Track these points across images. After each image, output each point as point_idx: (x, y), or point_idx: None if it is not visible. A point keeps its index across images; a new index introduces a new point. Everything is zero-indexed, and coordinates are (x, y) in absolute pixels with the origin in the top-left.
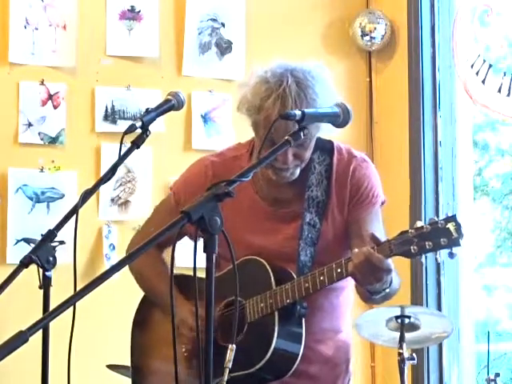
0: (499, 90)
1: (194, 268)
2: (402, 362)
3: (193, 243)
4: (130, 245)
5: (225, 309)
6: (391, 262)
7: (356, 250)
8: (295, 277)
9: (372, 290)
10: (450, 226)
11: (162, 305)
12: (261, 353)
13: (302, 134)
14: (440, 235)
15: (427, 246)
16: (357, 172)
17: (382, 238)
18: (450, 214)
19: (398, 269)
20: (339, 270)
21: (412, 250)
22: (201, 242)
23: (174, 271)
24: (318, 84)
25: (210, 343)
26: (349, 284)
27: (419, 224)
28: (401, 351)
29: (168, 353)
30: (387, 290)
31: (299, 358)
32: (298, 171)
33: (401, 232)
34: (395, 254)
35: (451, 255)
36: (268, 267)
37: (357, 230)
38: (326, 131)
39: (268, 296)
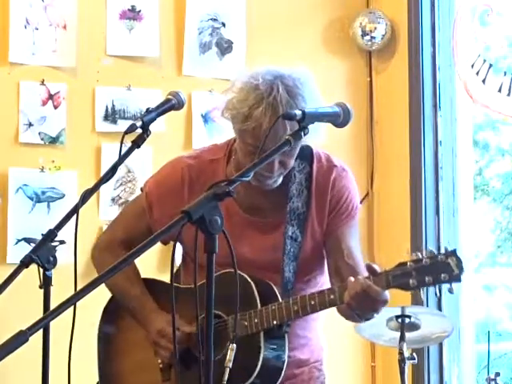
0: (499, 90)
1: (195, 268)
2: (402, 361)
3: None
4: (97, 244)
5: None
6: (388, 293)
7: (352, 279)
8: (278, 293)
9: (364, 318)
10: (451, 261)
11: (135, 310)
12: (245, 373)
13: (302, 133)
14: (440, 270)
15: (427, 281)
16: (337, 183)
17: (359, 252)
18: (449, 248)
19: None
20: (332, 297)
21: (411, 284)
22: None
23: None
24: (306, 90)
25: (210, 347)
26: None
27: (418, 255)
28: (401, 351)
29: (140, 359)
30: (377, 315)
31: (283, 372)
32: (280, 179)
33: (399, 263)
34: (393, 287)
35: (450, 291)
36: (251, 283)
37: (335, 243)
38: (312, 139)
39: (253, 315)
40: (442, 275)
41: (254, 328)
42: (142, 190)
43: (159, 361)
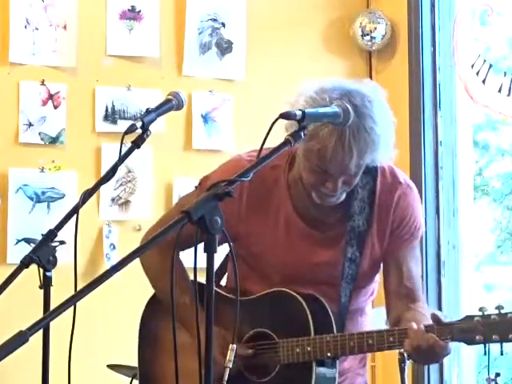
0: (499, 90)
1: (195, 269)
2: (402, 361)
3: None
4: (146, 235)
5: (253, 342)
6: (451, 345)
7: (414, 326)
8: (332, 320)
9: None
10: None
11: (183, 318)
12: None
13: (302, 133)
14: (509, 329)
15: (493, 338)
16: (401, 201)
17: (418, 276)
18: None
19: None
20: (391, 339)
21: (477, 339)
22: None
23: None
24: (375, 109)
25: (210, 350)
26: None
27: (485, 310)
28: (401, 351)
29: (184, 365)
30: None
31: None
32: (343, 196)
33: (466, 316)
34: (457, 340)
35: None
36: (304, 304)
37: (396, 265)
38: (381, 159)
39: (306, 343)
40: (510, 335)
41: (306, 356)
42: (200, 183)
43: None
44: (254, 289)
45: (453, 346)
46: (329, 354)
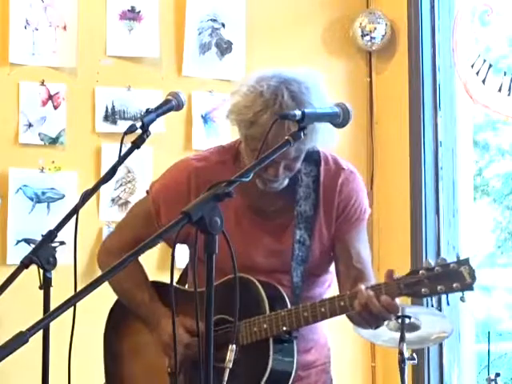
0: (499, 90)
1: (195, 268)
2: (402, 362)
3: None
4: (105, 248)
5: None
6: (398, 301)
7: (362, 287)
8: (286, 297)
9: (374, 326)
10: (463, 269)
11: (144, 316)
12: (254, 380)
13: (302, 133)
14: (452, 279)
15: (439, 290)
16: (344, 186)
17: (368, 256)
18: (461, 257)
19: (399, 268)
20: (342, 304)
21: (423, 292)
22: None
23: (155, 279)
24: (312, 95)
25: (210, 349)
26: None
27: (430, 264)
28: (401, 351)
29: (148, 362)
30: (385, 322)
31: (292, 378)
32: (286, 181)
33: (411, 271)
34: (404, 295)
35: (462, 299)
36: (260, 288)
37: (344, 248)
38: (322, 143)
39: (262, 321)
40: (454, 284)
41: (263, 334)
42: (147, 192)
43: (167, 365)
44: None
45: (447, 341)
46: (284, 328)
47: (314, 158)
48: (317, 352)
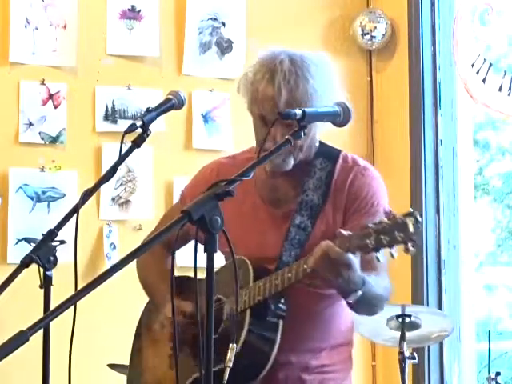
0: (500, 89)
1: (195, 268)
2: (402, 360)
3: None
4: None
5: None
6: (352, 257)
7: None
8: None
9: (340, 290)
10: (409, 221)
11: (157, 302)
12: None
13: (302, 133)
14: (397, 230)
15: (384, 241)
16: (357, 180)
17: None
18: (412, 210)
19: (399, 267)
20: (305, 267)
21: (369, 245)
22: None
23: (177, 273)
24: (314, 67)
25: (210, 344)
26: None
27: (382, 219)
28: (401, 350)
29: (161, 352)
30: (359, 292)
31: (270, 362)
32: (291, 160)
33: (361, 227)
34: (354, 248)
35: (407, 250)
36: (250, 265)
37: None
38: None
39: (244, 294)
40: (398, 235)
41: (242, 306)
42: (182, 192)
43: (168, 347)
44: None
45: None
46: (259, 298)
47: (332, 155)
48: (325, 357)
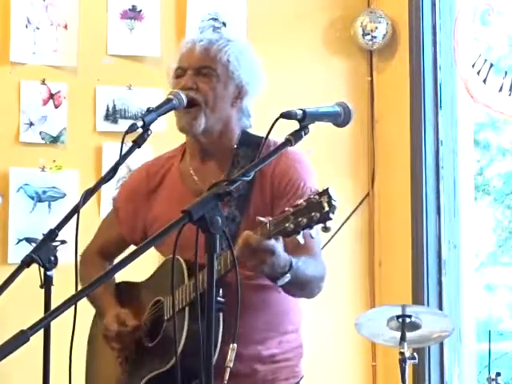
0: (500, 90)
1: (196, 266)
2: (403, 361)
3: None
4: (83, 256)
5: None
6: (274, 243)
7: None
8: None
9: (268, 276)
10: (323, 200)
11: (100, 313)
12: (172, 350)
13: (303, 133)
14: (314, 211)
15: (301, 223)
16: (280, 164)
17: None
18: (326, 187)
19: (400, 267)
20: (232, 258)
21: (288, 228)
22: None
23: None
24: (235, 43)
25: (210, 344)
26: None
27: (300, 201)
28: (402, 350)
29: (108, 356)
30: (287, 275)
31: (216, 356)
32: (202, 120)
33: (282, 211)
34: (275, 234)
35: (325, 229)
36: (183, 263)
37: None
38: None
39: (180, 292)
40: (314, 214)
41: (180, 305)
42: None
43: (116, 355)
44: None
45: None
46: (194, 294)
47: (255, 143)
48: (277, 346)
